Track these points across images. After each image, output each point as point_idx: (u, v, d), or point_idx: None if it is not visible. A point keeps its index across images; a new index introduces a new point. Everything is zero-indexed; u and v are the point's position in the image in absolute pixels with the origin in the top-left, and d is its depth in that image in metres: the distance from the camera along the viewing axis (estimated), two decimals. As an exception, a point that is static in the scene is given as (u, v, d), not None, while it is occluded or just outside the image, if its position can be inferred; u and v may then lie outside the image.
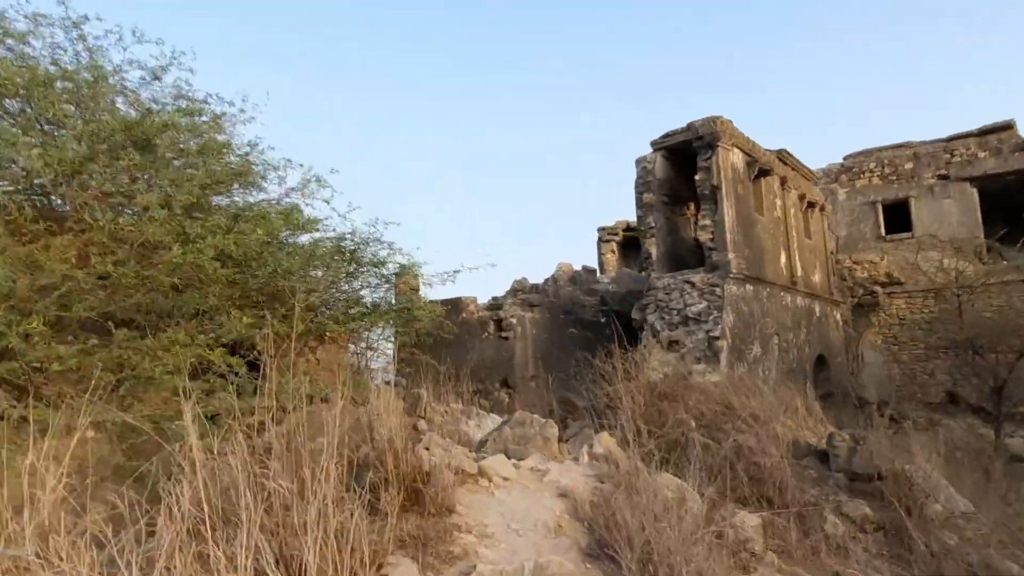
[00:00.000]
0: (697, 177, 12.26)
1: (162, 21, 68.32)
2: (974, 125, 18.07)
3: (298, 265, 10.19)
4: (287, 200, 12.30)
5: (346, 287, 13.44)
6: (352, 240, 12.41)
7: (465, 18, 79.27)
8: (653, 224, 12.90)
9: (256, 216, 10.32)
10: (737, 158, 12.51)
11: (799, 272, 14.42)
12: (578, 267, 21.83)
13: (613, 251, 23.02)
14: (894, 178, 18.32)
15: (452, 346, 15.37)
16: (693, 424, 8.49)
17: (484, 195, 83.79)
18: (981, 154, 17.46)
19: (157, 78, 9.66)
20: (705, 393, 9.30)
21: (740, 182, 12.48)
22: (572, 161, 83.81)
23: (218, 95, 10.58)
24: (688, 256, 14.11)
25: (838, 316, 16.72)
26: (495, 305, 17.03)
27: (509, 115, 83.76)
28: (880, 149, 18.77)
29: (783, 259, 13.96)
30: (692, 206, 14.79)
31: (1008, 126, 17.42)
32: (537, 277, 21.06)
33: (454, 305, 15.47)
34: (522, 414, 7.98)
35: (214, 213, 9.30)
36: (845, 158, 19.18)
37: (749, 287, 12.19)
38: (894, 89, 69.95)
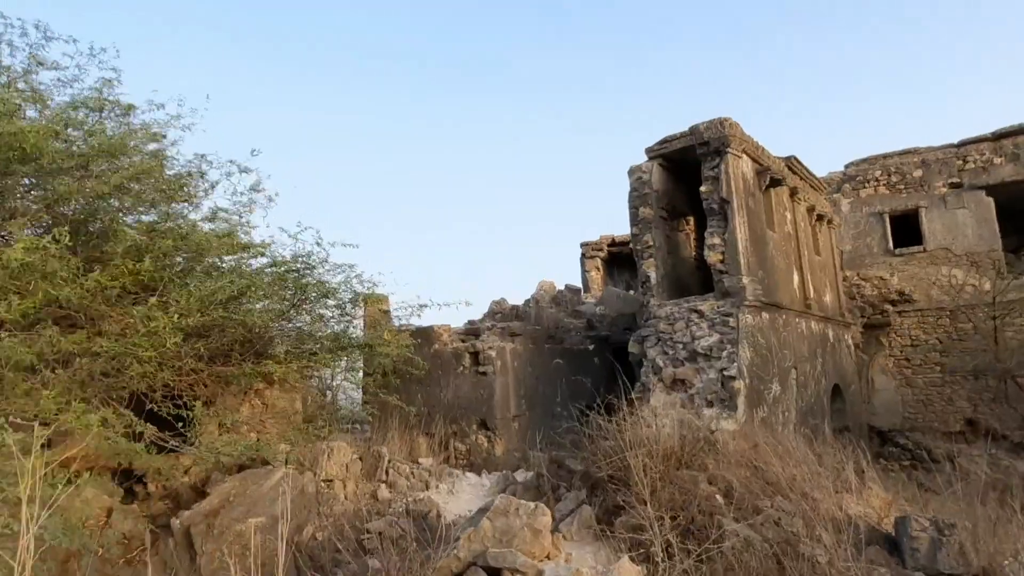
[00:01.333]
0: (703, 189, 10.46)
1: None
2: (986, 129, 16.55)
3: (227, 293, 8.27)
4: (230, 216, 10.39)
5: (306, 318, 11.53)
6: (297, 264, 10.53)
7: (436, 19, 77.53)
8: (651, 243, 11.07)
9: (174, 232, 8.38)
10: (747, 166, 10.75)
11: (812, 294, 12.68)
12: (561, 286, 20.00)
13: (598, 268, 21.22)
14: (902, 187, 16.73)
15: (424, 383, 13.40)
16: (720, 501, 6.63)
17: (458, 210, 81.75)
18: (997, 160, 15.92)
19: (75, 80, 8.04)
20: (727, 455, 7.44)
21: (751, 194, 10.71)
22: (552, 173, 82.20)
23: (152, 102, 8.72)
24: (688, 279, 12.30)
25: (849, 339, 15.02)
26: (472, 331, 15.17)
27: (483, 122, 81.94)
28: (886, 156, 17.18)
29: (795, 280, 12.21)
30: (691, 221, 13.00)
31: (1024, 130, 15.91)
32: (516, 295, 19.19)
33: (425, 336, 13.57)
34: (504, 500, 6.06)
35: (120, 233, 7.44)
36: (847, 166, 17.57)
37: (765, 315, 10.40)
38: (897, 93, 67.90)
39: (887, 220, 16.74)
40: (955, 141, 16.68)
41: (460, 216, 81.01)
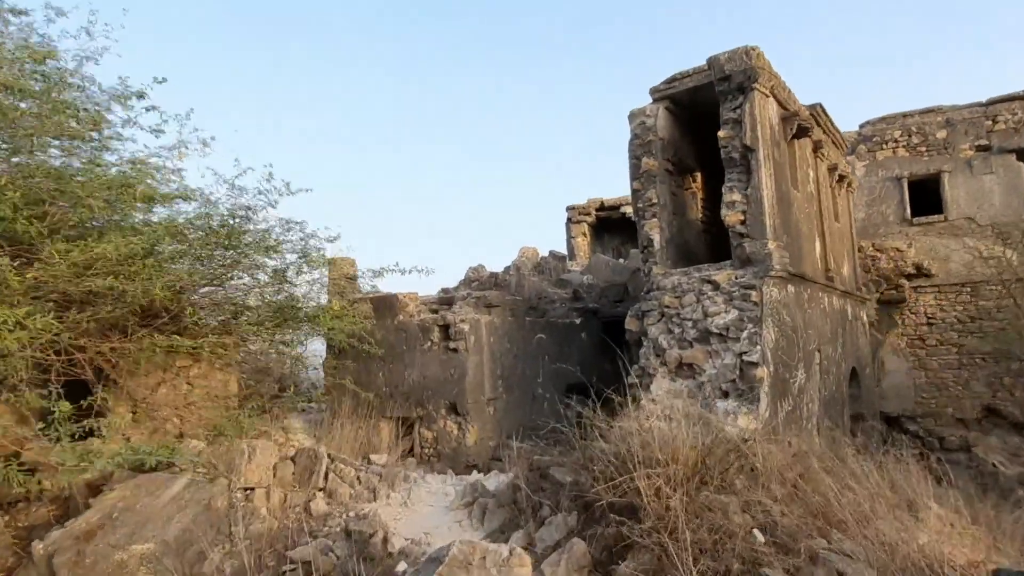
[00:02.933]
0: (722, 134, 8.49)
1: None
2: (1017, 87, 14.72)
3: (121, 252, 6.29)
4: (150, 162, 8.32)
5: (242, 283, 9.53)
6: (232, 217, 8.51)
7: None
8: (655, 200, 9.12)
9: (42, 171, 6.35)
10: (773, 110, 8.79)
11: (832, 265, 10.85)
12: (545, 252, 18.07)
13: (585, 234, 19.27)
14: (923, 149, 14.89)
15: (387, 359, 11.43)
16: (761, 539, 4.80)
17: (439, 175, 78.82)
18: (1030, 121, 14.11)
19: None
20: (764, 470, 5.59)
21: (776, 143, 8.77)
22: (537, 134, 79.37)
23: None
24: (695, 244, 10.39)
25: (864, 317, 13.27)
26: (445, 300, 13.21)
27: (464, 78, 78.75)
28: (906, 115, 15.30)
29: (818, 248, 10.35)
30: (699, 178, 11.04)
31: (1062, 87, 14.09)
32: (497, 264, 17.23)
33: (388, 306, 11.60)
34: (465, 548, 4.14)
35: None
36: (862, 126, 15.67)
37: (791, 288, 8.54)
38: (920, 51, 63.54)
39: (905, 185, 14.92)
40: (983, 100, 14.84)
41: (439, 180, 78.21)
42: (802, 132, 9.46)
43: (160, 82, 7.28)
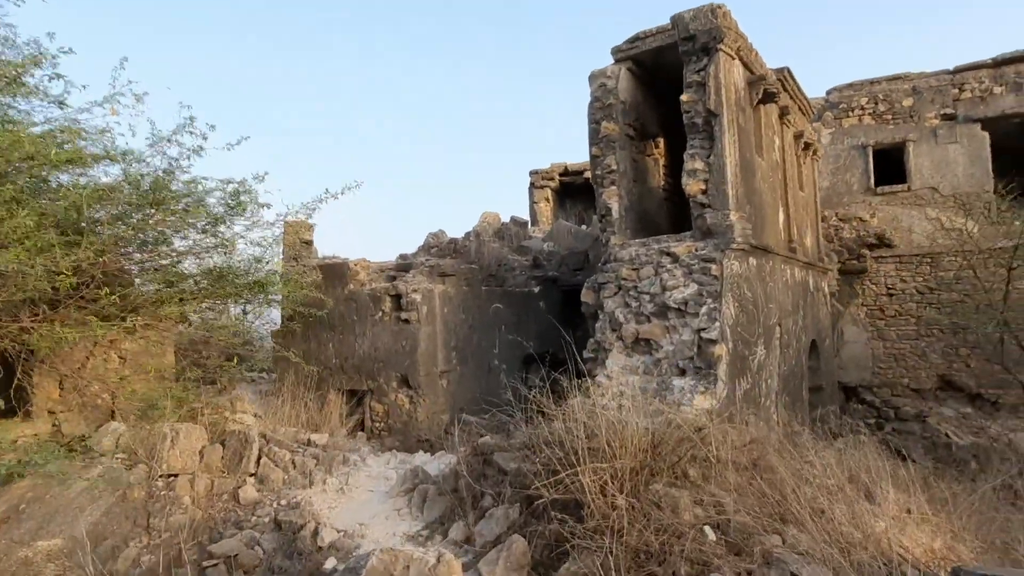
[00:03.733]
0: (684, 98, 7.97)
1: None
2: (985, 55, 14.40)
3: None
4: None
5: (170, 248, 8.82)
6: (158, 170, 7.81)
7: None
8: (615, 166, 8.60)
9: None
10: (739, 73, 8.27)
11: (796, 235, 10.50)
12: (507, 219, 17.49)
13: (548, 199, 18.71)
14: (889, 117, 14.55)
15: (337, 329, 10.88)
16: (712, 538, 4.43)
17: (397, 139, 76.92)
18: (997, 89, 13.82)
19: None
20: (717, 456, 5.20)
21: (741, 109, 8.28)
22: (502, 96, 77.87)
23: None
24: (656, 213, 9.93)
25: (825, 287, 13.03)
26: (403, 267, 12.68)
27: (421, 39, 76.74)
28: (873, 82, 14.91)
29: (780, 218, 9.97)
30: (661, 144, 10.53)
31: (1029, 56, 13.79)
32: (459, 230, 16.64)
33: (337, 273, 11.02)
34: (386, 558, 3.72)
35: None
36: (829, 92, 15.26)
37: (753, 261, 8.15)
38: (886, 17, 62.40)
39: (870, 154, 14.60)
40: (950, 67, 14.50)
41: (400, 144, 76.37)
42: (769, 97, 8.98)
43: (65, 52, 6.52)
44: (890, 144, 14.48)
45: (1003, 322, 10.63)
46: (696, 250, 7.73)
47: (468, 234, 15.93)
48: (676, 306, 7.57)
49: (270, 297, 8.90)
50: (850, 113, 14.78)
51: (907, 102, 14.39)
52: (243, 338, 12.04)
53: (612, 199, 8.57)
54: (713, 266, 7.43)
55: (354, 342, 10.70)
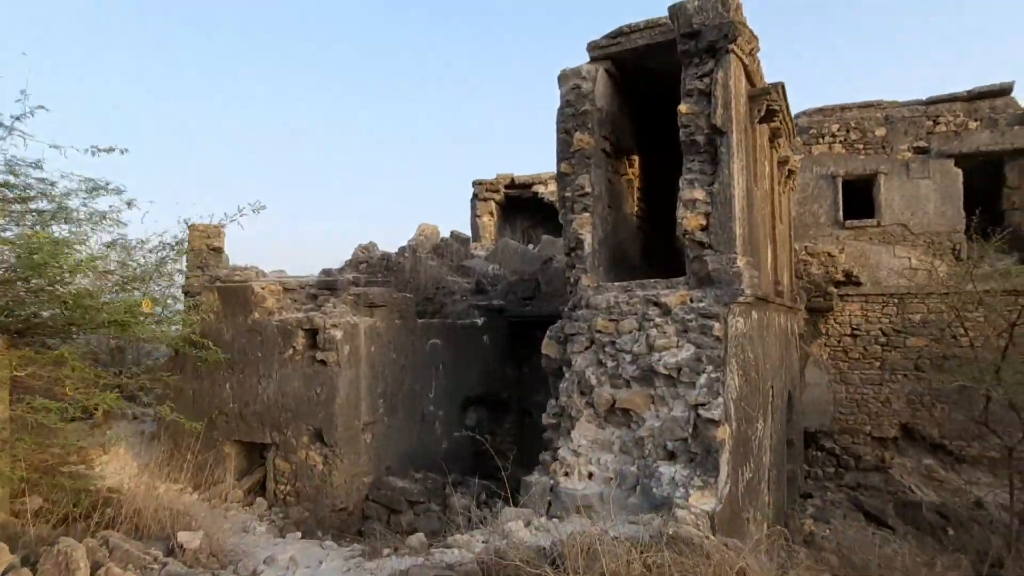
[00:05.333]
0: (683, 109, 6.24)
1: None
2: (952, 89, 13.42)
3: None
4: None
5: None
6: None
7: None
8: (589, 189, 6.82)
9: None
10: (742, 83, 6.63)
11: (780, 275, 9.00)
12: (446, 233, 15.53)
13: (492, 213, 16.85)
14: (860, 147, 13.38)
15: (237, 367, 8.73)
16: None
17: (327, 143, 73.07)
18: (972, 124, 12.81)
19: None
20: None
21: (743, 128, 6.64)
22: (444, 103, 75.27)
23: None
24: (630, 246, 8.20)
25: (796, 329, 11.63)
26: (326, 284, 10.61)
27: (358, 36, 73.60)
28: (844, 108, 13.73)
29: (769, 257, 8.41)
30: (636, 163, 8.82)
31: (1004, 91, 12.85)
32: (393, 248, 14.56)
33: (239, 298, 8.85)
34: None
35: None
36: (798, 116, 13.99)
37: (755, 316, 6.50)
38: (859, 44, 61.46)
39: (839, 185, 13.40)
40: (923, 98, 13.46)
41: (327, 149, 72.58)
42: (769, 116, 7.40)
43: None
44: (860, 175, 13.30)
45: (997, 382, 9.38)
46: (692, 301, 6.01)
47: (403, 249, 13.90)
48: (666, 372, 5.82)
49: (134, 332, 6.70)
50: (820, 140, 13.55)
51: (880, 132, 13.25)
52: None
53: (584, 229, 6.77)
54: (715, 324, 5.71)
55: (257, 384, 8.55)
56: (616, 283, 6.55)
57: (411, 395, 9.15)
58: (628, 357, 6.12)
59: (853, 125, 13.39)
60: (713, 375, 5.63)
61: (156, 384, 8.06)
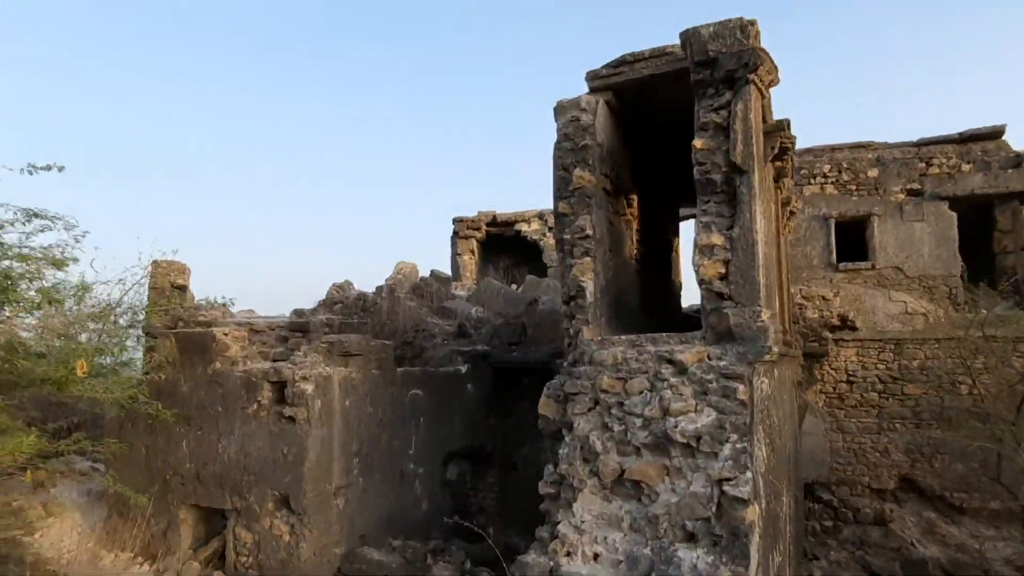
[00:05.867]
0: (698, 144, 5.60)
1: None
2: (937, 131, 13.16)
3: None
4: None
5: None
6: None
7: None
8: (590, 231, 6.13)
9: None
10: (760, 117, 6.04)
11: (787, 323, 8.35)
12: (426, 272, 14.76)
13: (473, 252, 16.13)
14: (853, 187, 12.98)
15: (195, 422, 7.75)
16: None
17: (304, 179, 72.07)
18: (965, 167, 12.49)
19: None
20: None
21: (763, 167, 6.03)
22: (423, 139, 74.95)
23: None
24: (630, 294, 7.49)
25: (795, 377, 10.98)
26: (297, 326, 9.80)
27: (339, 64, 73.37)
28: (835, 148, 13.38)
29: (778, 306, 7.76)
30: (635, 202, 8.18)
31: (996, 134, 12.58)
32: (371, 287, 13.74)
33: (199, 346, 7.96)
34: None
35: None
36: (788, 156, 13.57)
37: (776, 374, 5.80)
38: (848, 85, 61.33)
39: (832, 226, 12.94)
40: (914, 140, 13.15)
41: (304, 185, 71.60)
42: (782, 153, 6.81)
43: None
44: (853, 217, 12.87)
45: (1017, 444, 8.78)
46: (711, 359, 5.29)
47: (380, 288, 13.07)
48: (684, 440, 5.07)
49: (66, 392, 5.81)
50: (812, 180, 13.12)
51: (872, 172, 12.86)
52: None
53: (586, 276, 6.05)
54: (740, 386, 4.99)
55: (217, 443, 7.62)
56: (623, 336, 5.82)
57: (389, 452, 8.26)
58: (639, 421, 5.36)
59: (845, 166, 13.00)
60: (739, 445, 4.88)
61: (101, 449, 7.09)
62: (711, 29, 5.51)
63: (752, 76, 5.34)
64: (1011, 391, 9.76)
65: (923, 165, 12.66)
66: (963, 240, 12.54)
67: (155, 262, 10.54)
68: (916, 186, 12.61)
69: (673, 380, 5.28)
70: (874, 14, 54.46)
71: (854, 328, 12.55)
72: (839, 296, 12.65)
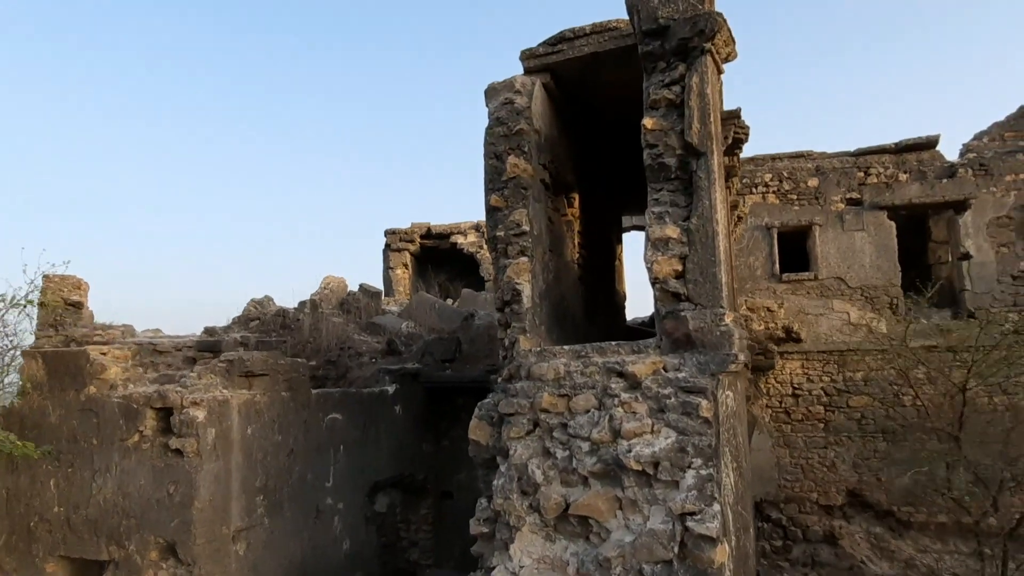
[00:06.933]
0: (648, 124, 4.82)
1: None
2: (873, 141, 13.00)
3: None
4: None
5: None
6: None
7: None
8: (527, 227, 5.27)
9: None
10: (719, 93, 5.33)
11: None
12: (355, 286, 13.64)
13: (406, 265, 15.09)
14: (795, 197, 12.60)
15: (64, 457, 6.45)
16: None
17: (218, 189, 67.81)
18: (902, 176, 12.28)
19: None
20: None
21: (720, 150, 5.30)
22: (353, 144, 71.76)
23: None
24: (572, 301, 6.65)
25: (745, 391, 10.34)
26: (207, 346, 8.66)
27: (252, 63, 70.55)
28: (775, 157, 13.00)
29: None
30: (576, 202, 7.37)
31: (930, 144, 12.42)
32: (294, 303, 12.54)
33: (70, 367, 6.67)
34: None
35: None
36: (729, 165, 13.13)
37: (739, 387, 5.02)
38: (779, 96, 60.56)
39: (775, 236, 12.50)
40: (852, 149, 12.90)
41: (219, 195, 67.74)
42: (735, 145, 6.13)
43: None
44: (795, 227, 12.47)
45: (959, 460, 8.31)
46: (668, 370, 4.46)
47: (303, 304, 11.89)
48: (639, 467, 4.21)
49: None
50: (754, 189, 12.68)
51: (812, 182, 12.52)
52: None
53: (522, 277, 5.17)
54: (702, 402, 4.17)
55: (91, 482, 6.35)
56: (566, 347, 4.94)
57: (302, 486, 7.13)
58: (585, 446, 4.47)
59: (786, 175, 12.62)
60: (703, 472, 4.05)
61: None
62: (659, 1, 4.77)
63: (708, 45, 4.61)
64: (952, 402, 9.33)
65: (861, 174, 12.39)
66: (902, 250, 12.29)
67: (46, 276, 9.22)
68: (855, 195, 12.32)
69: (625, 396, 4.42)
70: (812, 23, 55.50)
71: (799, 340, 12.09)
72: (783, 308, 12.18)
